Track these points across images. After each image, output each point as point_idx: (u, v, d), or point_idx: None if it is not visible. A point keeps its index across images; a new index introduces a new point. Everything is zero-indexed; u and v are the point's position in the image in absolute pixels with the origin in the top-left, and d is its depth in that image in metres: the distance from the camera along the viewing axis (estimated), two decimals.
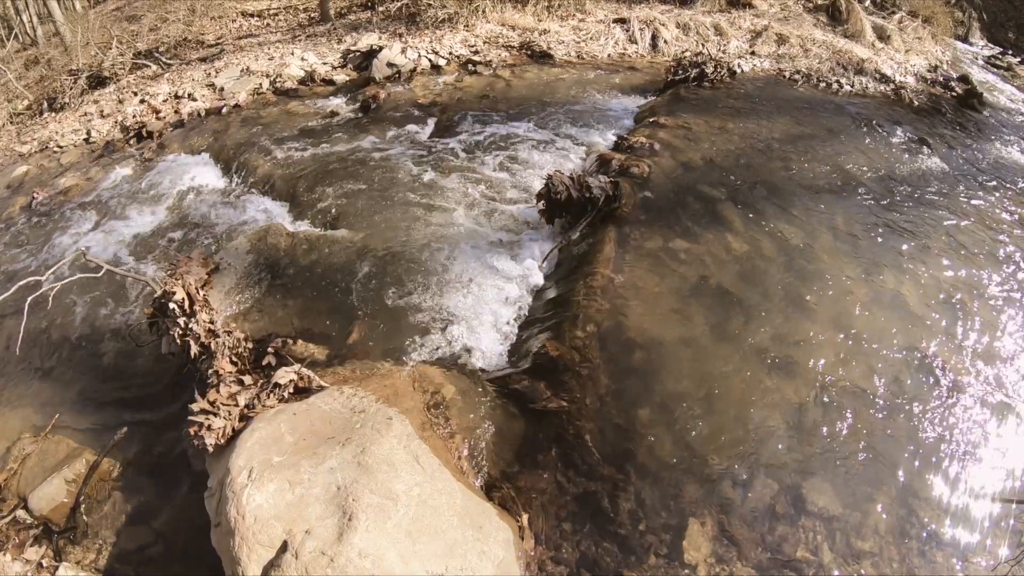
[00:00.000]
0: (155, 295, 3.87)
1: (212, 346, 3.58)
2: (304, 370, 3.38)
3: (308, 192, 5.61)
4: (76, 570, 3.17)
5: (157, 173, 6.51)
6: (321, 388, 3.33)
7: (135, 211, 5.95)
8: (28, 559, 3.22)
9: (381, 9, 10.74)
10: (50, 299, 4.16)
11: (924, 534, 3.01)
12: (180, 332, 3.67)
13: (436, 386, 3.43)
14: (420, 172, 5.67)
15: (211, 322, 3.74)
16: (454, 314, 3.99)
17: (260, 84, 8.34)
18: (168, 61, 10.04)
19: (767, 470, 3.13)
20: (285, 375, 3.30)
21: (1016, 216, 5.31)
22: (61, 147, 7.88)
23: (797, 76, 7.82)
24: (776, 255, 4.35)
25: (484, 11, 9.50)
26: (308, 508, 2.56)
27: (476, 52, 8.61)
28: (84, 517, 3.36)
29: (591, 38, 9.09)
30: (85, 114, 8.74)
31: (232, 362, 3.53)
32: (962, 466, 3.27)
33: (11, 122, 9.28)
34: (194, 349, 3.61)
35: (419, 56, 8.44)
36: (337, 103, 7.66)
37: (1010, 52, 11.74)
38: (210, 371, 3.40)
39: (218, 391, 3.18)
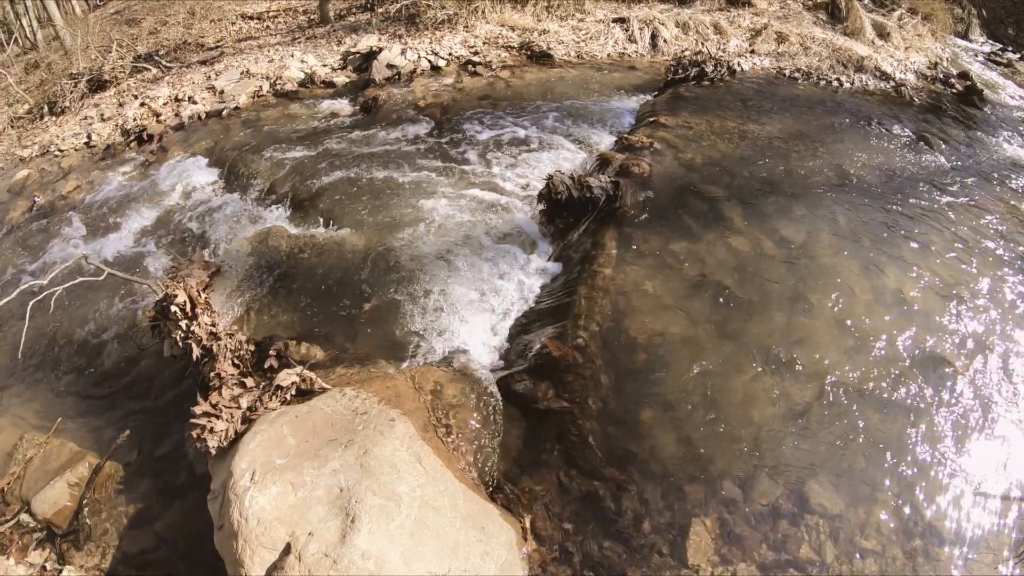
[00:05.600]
0: (157, 298, 3.88)
1: (214, 349, 3.59)
2: (306, 372, 3.38)
3: (309, 194, 5.61)
4: (79, 573, 3.17)
5: (157, 176, 6.53)
6: (323, 390, 3.33)
7: (136, 214, 5.96)
8: (31, 563, 3.23)
9: (380, 10, 10.75)
10: (52, 303, 4.16)
11: (927, 532, 3.00)
12: (182, 335, 3.68)
13: (438, 387, 3.43)
14: (420, 173, 5.67)
15: (213, 325, 3.75)
16: (456, 315, 3.99)
17: (260, 86, 8.35)
18: (168, 64, 10.06)
19: (769, 469, 3.12)
20: (287, 377, 3.30)
21: (1017, 213, 5.30)
22: (62, 151, 7.91)
23: (797, 74, 7.81)
24: (777, 254, 4.34)
25: (483, 12, 9.51)
26: (311, 510, 2.56)
27: (476, 53, 8.61)
28: (87, 520, 3.37)
29: (591, 38, 9.09)
30: (85, 118, 8.76)
31: (234, 364, 3.54)
32: (964, 464, 3.26)
33: (12, 126, 9.30)
34: (196, 352, 3.61)
35: (419, 57, 8.44)
36: (337, 105, 7.67)
37: (1010, 48, 11.73)
38: (212, 374, 3.41)
39: (220, 394, 3.19)
